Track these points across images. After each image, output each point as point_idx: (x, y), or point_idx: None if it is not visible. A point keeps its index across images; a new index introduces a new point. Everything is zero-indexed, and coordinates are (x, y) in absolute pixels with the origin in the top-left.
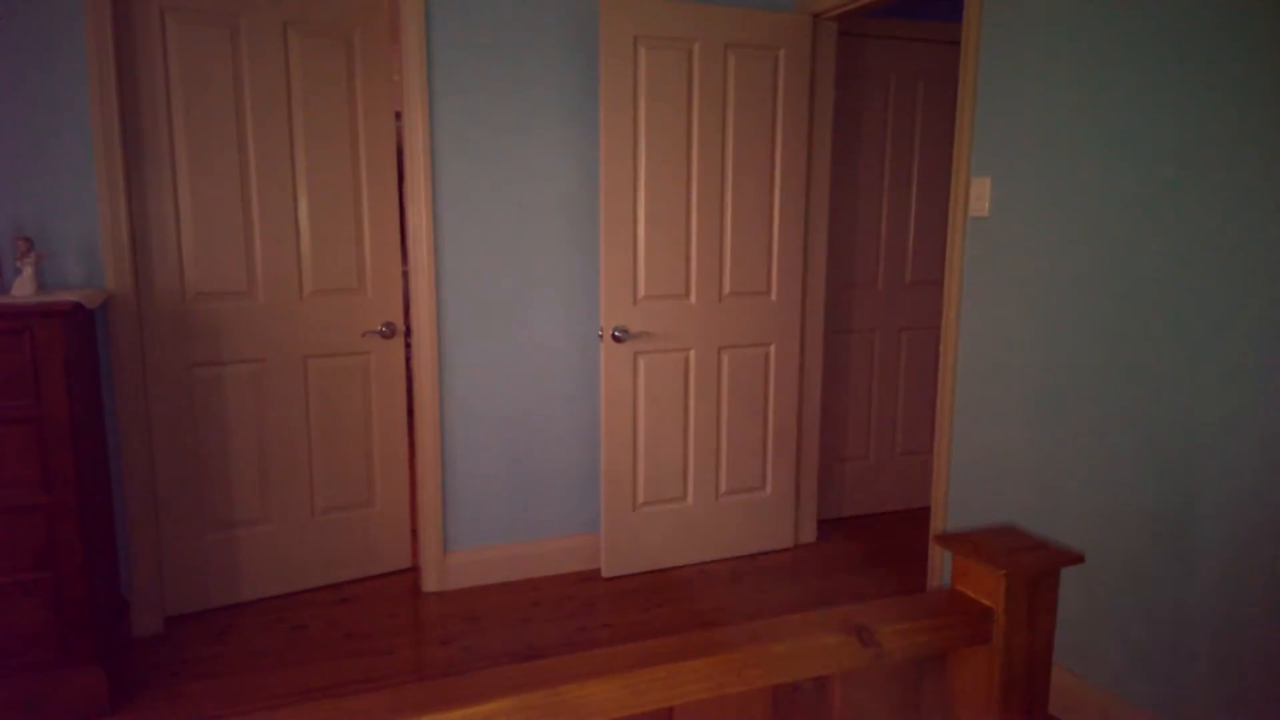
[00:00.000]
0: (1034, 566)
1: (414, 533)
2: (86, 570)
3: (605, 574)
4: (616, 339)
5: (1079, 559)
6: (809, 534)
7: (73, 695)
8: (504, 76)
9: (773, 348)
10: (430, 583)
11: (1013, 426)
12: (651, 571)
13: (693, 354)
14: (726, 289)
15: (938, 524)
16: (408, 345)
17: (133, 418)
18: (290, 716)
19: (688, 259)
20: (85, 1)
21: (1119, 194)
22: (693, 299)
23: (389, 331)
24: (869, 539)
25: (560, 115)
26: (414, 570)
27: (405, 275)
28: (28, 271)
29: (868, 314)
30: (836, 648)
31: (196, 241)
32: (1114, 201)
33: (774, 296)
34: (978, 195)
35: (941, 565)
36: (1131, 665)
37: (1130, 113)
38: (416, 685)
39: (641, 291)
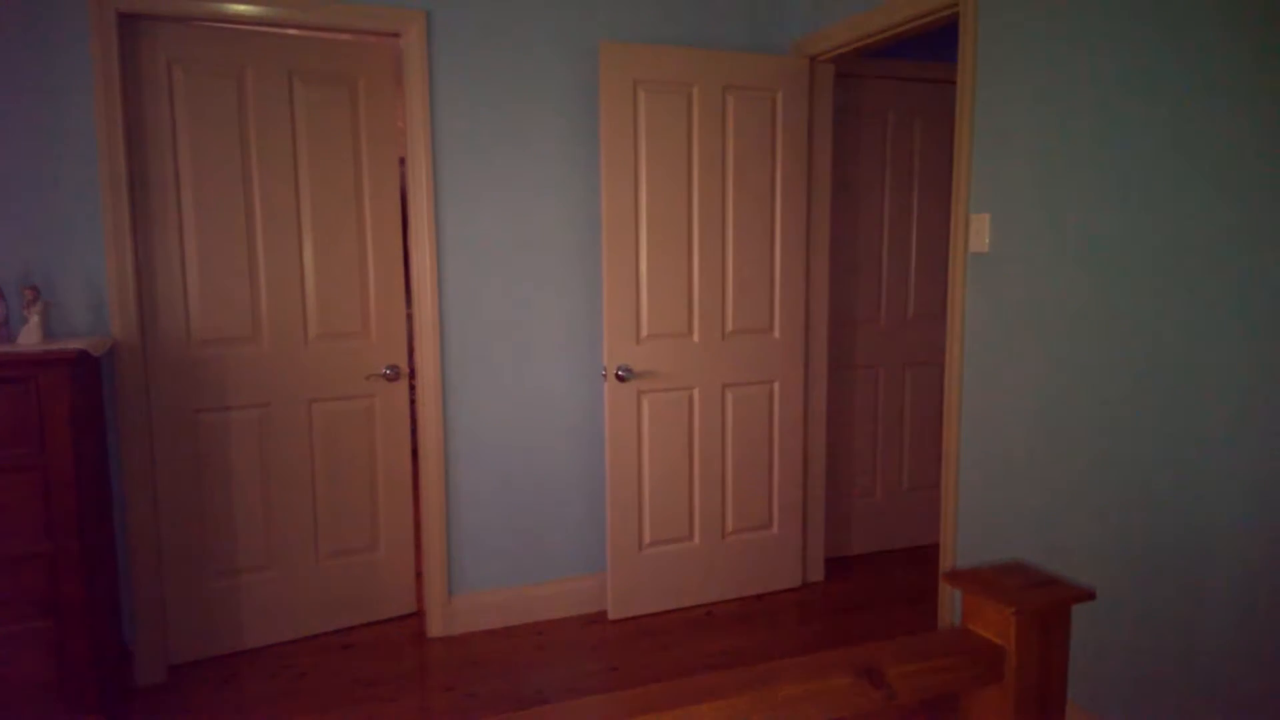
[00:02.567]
0: (1045, 603)
1: (419, 577)
2: (89, 619)
3: (611, 616)
4: (620, 378)
5: (1090, 595)
6: (817, 573)
7: None
8: (506, 122)
9: (777, 385)
10: (435, 628)
11: (1019, 460)
12: (658, 613)
13: (697, 392)
14: (729, 327)
15: (946, 561)
16: (412, 388)
17: (137, 464)
18: None
19: (690, 298)
20: (94, 52)
21: (1118, 229)
22: (696, 337)
23: (393, 375)
24: (878, 577)
25: (562, 159)
26: (418, 615)
27: (409, 318)
28: (34, 320)
29: (871, 350)
30: (846, 690)
31: (202, 288)
32: (1114, 236)
33: (777, 334)
34: (977, 231)
35: (952, 603)
36: (1144, 700)
37: (1127, 147)
38: None
39: (644, 331)
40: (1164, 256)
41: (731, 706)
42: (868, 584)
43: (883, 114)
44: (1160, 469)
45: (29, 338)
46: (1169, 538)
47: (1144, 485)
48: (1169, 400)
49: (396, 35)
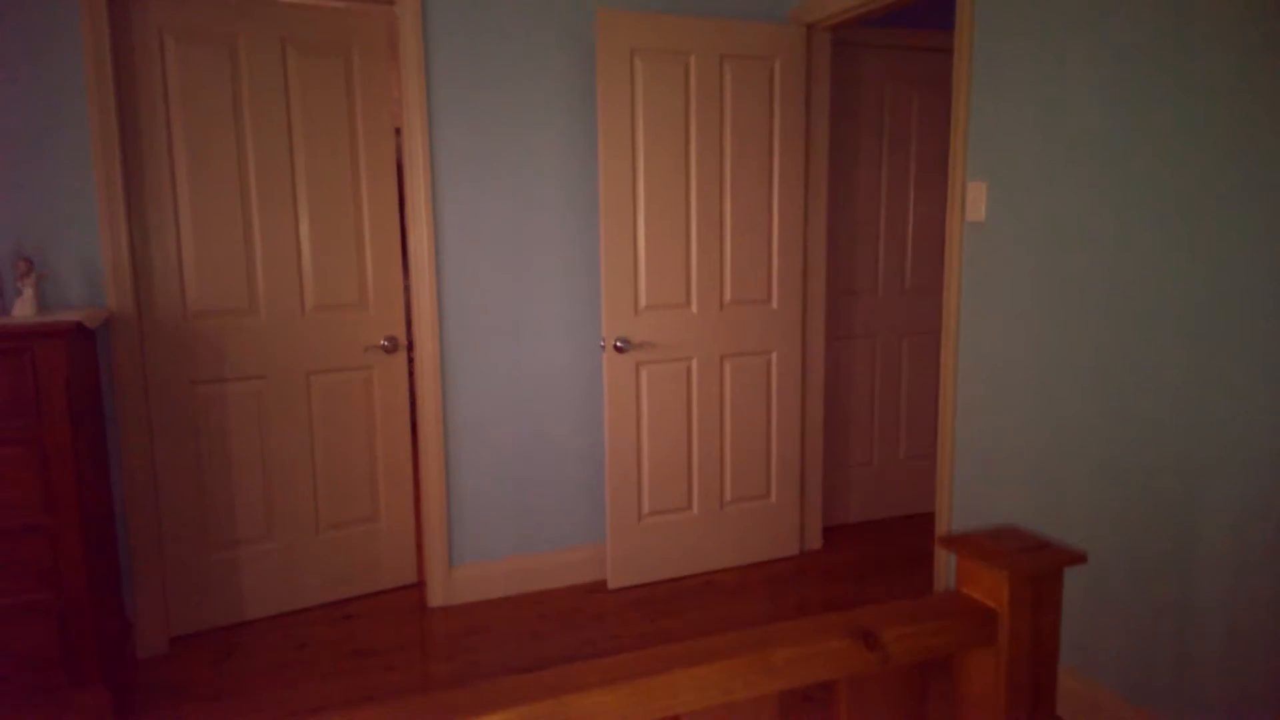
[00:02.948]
0: (1037, 566)
1: (419, 548)
2: (90, 591)
3: (611, 585)
4: (619, 349)
5: (1082, 558)
6: (815, 541)
7: (78, 717)
8: (503, 91)
9: (775, 355)
10: (435, 598)
11: (1014, 428)
12: (658, 582)
13: (695, 363)
14: (727, 297)
15: (942, 528)
16: (410, 359)
17: (135, 437)
18: None
19: (688, 268)
20: (83, 21)
21: (1114, 195)
22: (694, 308)
23: (391, 346)
24: (875, 545)
25: (559, 128)
26: (419, 586)
27: (407, 289)
28: (28, 292)
29: (869, 320)
30: (842, 653)
31: (198, 259)
32: (1110, 203)
33: (775, 304)
34: (974, 200)
35: (948, 569)
36: (1137, 667)
37: (1125, 115)
38: (416, 697)
39: (643, 302)
40: (1163, 221)
41: (728, 669)
42: (865, 552)
43: (880, 83)
44: (1159, 432)
45: (23, 310)
46: (1167, 501)
47: (1141, 449)
48: (1168, 363)
49: (391, 3)
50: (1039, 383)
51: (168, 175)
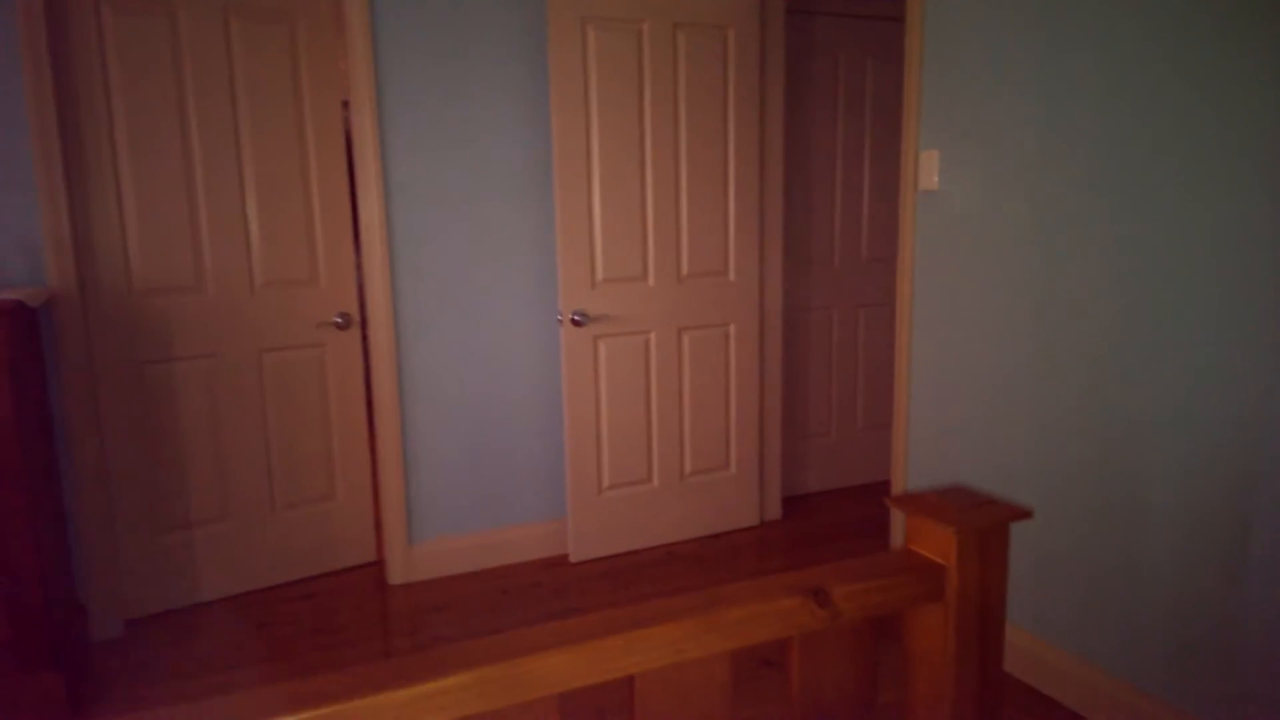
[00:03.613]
0: (984, 522)
1: (378, 525)
2: (39, 574)
3: (573, 559)
4: (576, 323)
5: (1028, 514)
6: (774, 511)
7: (31, 701)
8: (453, 62)
9: (732, 327)
10: (396, 575)
11: (967, 395)
12: (619, 554)
13: (653, 336)
14: (684, 270)
15: (898, 491)
16: (364, 336)
17: (82, 418)
18: (250, 699)
19: (644, 241)
20: None
21: (1065, 161)
22: (651, 281)
23: (345, 323)
24: (834, 513)
25: (512, 99)
26: (379, 563)
27: (359, 265)
28: None
29: (826, 291)
30: (793, 611)
31: (142, 235)
32: (1060, 169)
33: (732, 276)
34: (927, 169)
35: (903, 532)
36: (1086, 624)
37: (1075, 82)
38: (376, 664)
39: (599, 275)
40: (1112, 190)
41: (683, 629)
42: (824, 520)
43: (834, 52)
44: (1108, 397)
45: None
46: (1115, 463)
47: (1091, 413)
48: (1117, 330)
49: None
50: (991, 349)
51: (108, 150)
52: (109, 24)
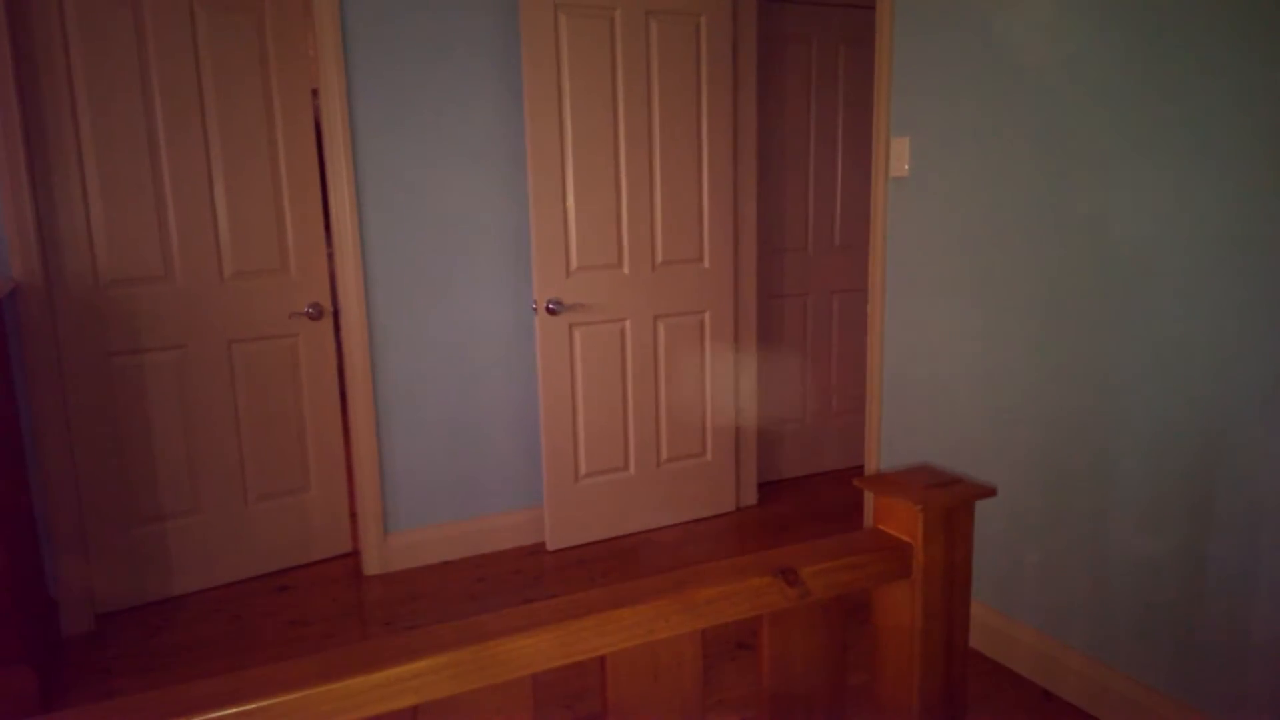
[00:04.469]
0: (949, 500)
1: (353, 516)
2: (8, 569)
3: (550, 547)
4: (551, 311)
5: (991, 492)
6: (750, 497)
7: (2, 695)
8: (424, 47)
9: (707, 315)
10: (371, 566)
11: (938, 377)
12: (596, 542)
13: (628, 324)
14: (659, 258)
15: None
16: (337, 326)
17: (49, 411)
18: (220, 685)
19: (619, 229)
20: None
21: (1034, 146)
22: (626, 269)
23: (316, 313)
24: (809, 498)
25: (485, 86)
26: (354, 554)
27: (330, 254)
28: None
29: (800, 278)
30: (763, 590)
31: (108, 225)
32: (1029, 154)
33: (707, 263)
34: (897, 155)
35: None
36: (1051, 599)
37: (1044, 65)
38: (346, 648)
39: (574, 263)
40: (1082, 171)
41: (651, 610)
42: (799, 505)
43: (806, 40)
44: (1078, 378)
45: None
46: (1082, 443)
47: (1063, 394)
48: (1088, 312)
49: None
50: (963, 333)
51: (72, 139)
52: (71, 13)
